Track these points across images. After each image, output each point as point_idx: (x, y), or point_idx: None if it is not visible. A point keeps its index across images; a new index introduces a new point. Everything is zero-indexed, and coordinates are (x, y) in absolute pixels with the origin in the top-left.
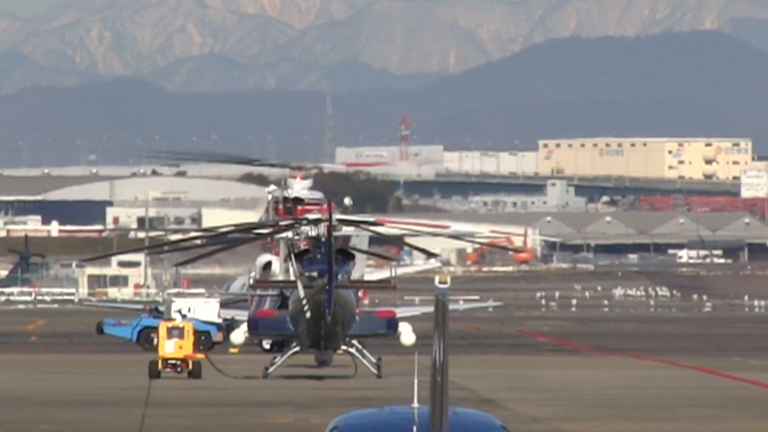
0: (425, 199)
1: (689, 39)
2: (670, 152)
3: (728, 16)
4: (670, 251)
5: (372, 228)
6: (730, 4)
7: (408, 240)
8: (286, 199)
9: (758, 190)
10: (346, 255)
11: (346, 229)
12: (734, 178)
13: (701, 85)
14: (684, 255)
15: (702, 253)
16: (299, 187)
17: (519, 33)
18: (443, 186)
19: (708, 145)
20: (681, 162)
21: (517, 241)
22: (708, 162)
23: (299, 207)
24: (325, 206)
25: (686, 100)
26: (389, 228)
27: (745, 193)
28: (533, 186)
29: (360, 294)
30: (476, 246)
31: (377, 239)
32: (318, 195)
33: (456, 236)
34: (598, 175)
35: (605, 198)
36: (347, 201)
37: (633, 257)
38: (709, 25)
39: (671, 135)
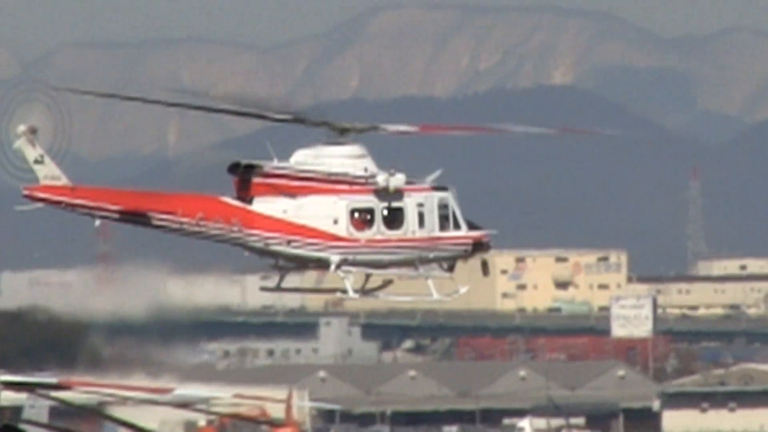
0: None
1: (531, 97)
2: (504, 272)
3: (588, 64)
4: (507, 421)
5: (54, 394)
6: (594, 47)
7: (111, 410)
8: None
9: (637, 327)
10: None
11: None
12: (601, 308)
13: (548, 166)
14: (527, 426)
15: (555, 423)
16: None
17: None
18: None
19: (561, 260)
20: (521, 287)
21: (276, 410)
22: (561, 285)
23: None
24: None
25: (527, 191)
26: (80, 392)
27: (618, 331)
28: (299, 325)
29: None
30: (213, 418)
31: (63, 412)
32: None
33: (183, 404)
34: (395, 309)
35: (408, 343)
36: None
37: (451, 430)
38: (561, 79)
39: (506, 245)
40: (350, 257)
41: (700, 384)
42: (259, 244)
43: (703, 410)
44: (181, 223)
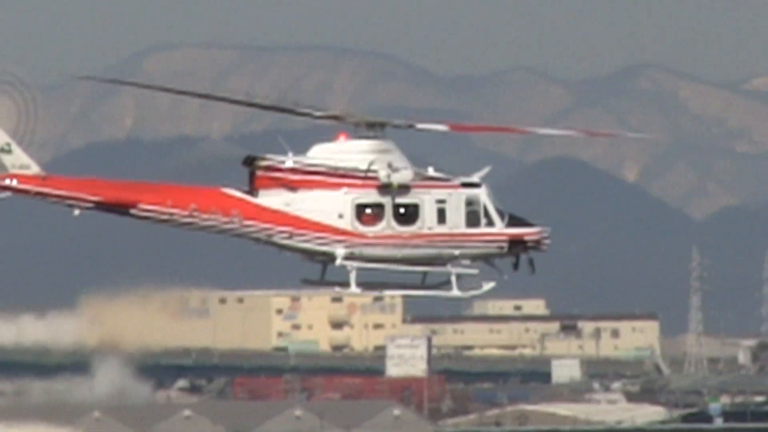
0: None
1: (307, 136)
2: (279, 312)
3: (364, 104)
4: None
5: None
6: (370, 86)
7: None
8: None
9: (412, 367)
10: None
11: None
12: (377, 348)
13: None
14: None
15: None
16: None
17: (49, 137)
18: None
19: (336, 300)
20: (296, 326)
21: None
22: (337, 326)
23: None
24: None
25: None
26: None
27: (393, 370)
28: (74, 364)
29: None
30: None
31: None
32: None
33: None
34: (170, 349)
35: (181, 382)
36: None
37: None
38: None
39: (281, 285)
40: (356, 252)
41: (475, 424)
42: (262, 237)
43: None
44: (171, 214)
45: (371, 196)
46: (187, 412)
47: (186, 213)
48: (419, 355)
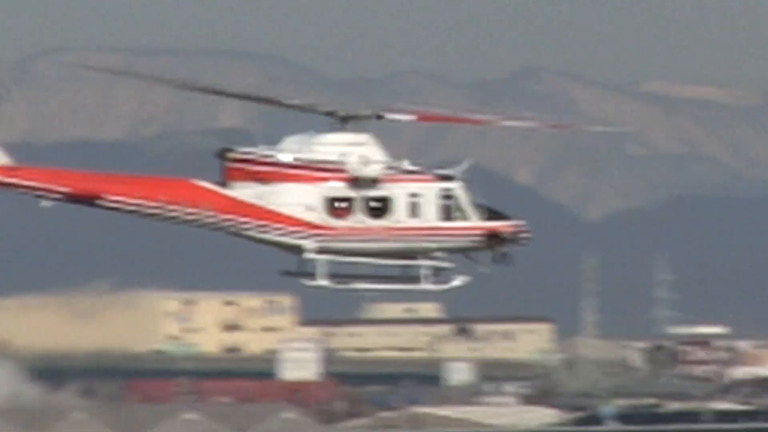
0: None
1: (202, 138)
2: (170, 315)
3: (255, 107)
4: None
5: None
6: (263, 89)
7: None
8: None
9: (305, 370)
10: None
11: None
12: (270, 351)
13: None
14: None
15: None
16: None
17: None
18: None
19: (229, 303)
20: (189, 329)
21: None
22: (229, 328)
23: None
24: None
25: (193, 232)
26: None
27: (286, 374)
28: None
29: None
30: None
31: None
32: None
33: None
34: (61, 351)
35: (73, 386)
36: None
37: None
38: (229, 121)
39: (176, 287)
40: (326, 245)
41: (368, 427)
42: (232, 229)
43: None
44: (139, 205)
45: (341, 189)
46: (78, 415)
47: (155, 204)
48: (312, 358)
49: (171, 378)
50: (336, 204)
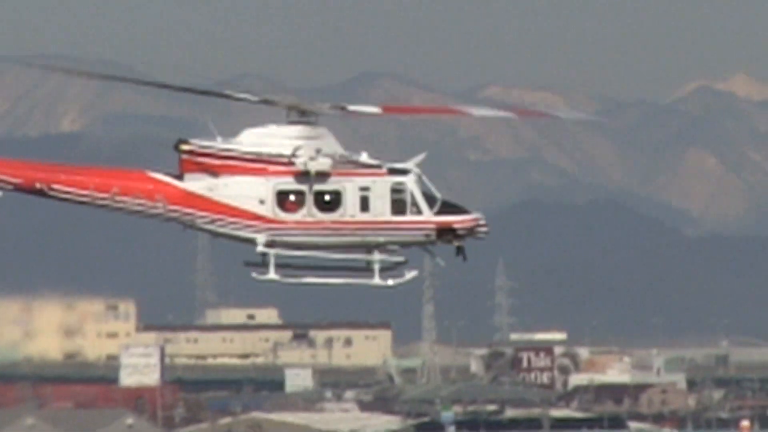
0: None
1: (39, 144)
2: (9, 319)
3: (97, 112)
4: None
5: None
6: (102, 94)
7: None
8: None
9: (146, 375)
10: None
11: None
12: (110, 357)
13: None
14: None
15: None
16: None
17: None
18: None
19: (69, 307)
20: (28, 334)
21: None
22: (70, 333)
23: None
24: None
25: (46, 235)
26: None
27: (127, 380)
28: None
29: None
30: None
31: None
32: None
33: None
34: None
35: None
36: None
37: None
38: (69, 126)
39: (16, 292)
40: (277, 238)
41: None
42: (185, 221)
43: None
44: (92, 197)
45: (291, 182)
46: None
47: (107, 195)
48: (152, 363)
49: (11, 383)
50: (287, 197)
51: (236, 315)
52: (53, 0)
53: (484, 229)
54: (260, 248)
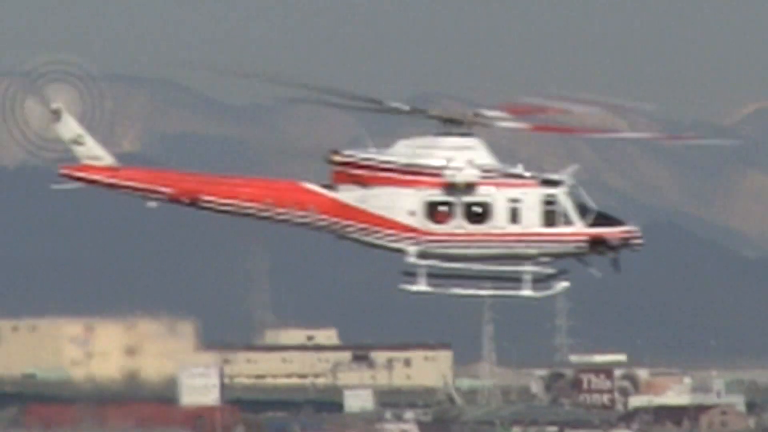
0: None
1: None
2: (72, 339)
3: (156, 132)
4: None
5: None
6: (158, 114)
7: None
8: None
9: (205, 395)
10: None
11: None
12: (169, 377)
13: (114, 232)
14: None
15: None
16: None
17: None
18: None
19: (130, 328)
20: (90, 354)
21: None
22: (130, 353)
23: None
24: None
25: (96, 258)
26: None
27: (186, 399)
28: None
29: None
30: None
31: None
32: None
33: None
34: None
35: None
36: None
37: None
38: (130, 147)
39: (76, 313)
40: (427, 250)
41: None
42: (336, 231)
43: None
44: (244, 207)
45: (440, 194)
46: None
47: (261, 206)
48: (212, 383)
49: (71, 403)
50: (437, 209)
51: (295, 336)
52: (124, 19)
53: (638, 241)
54: (410, 259)
